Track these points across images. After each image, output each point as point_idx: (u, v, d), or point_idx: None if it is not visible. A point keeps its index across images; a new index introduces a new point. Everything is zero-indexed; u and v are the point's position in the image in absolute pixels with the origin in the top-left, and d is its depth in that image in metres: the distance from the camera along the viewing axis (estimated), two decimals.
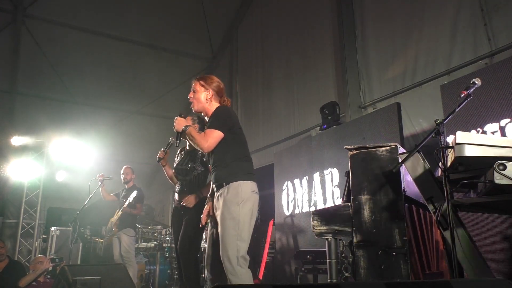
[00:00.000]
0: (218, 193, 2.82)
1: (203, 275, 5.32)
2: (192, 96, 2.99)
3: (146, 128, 9.63)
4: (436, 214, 2.30)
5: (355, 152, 2.60)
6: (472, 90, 2.40)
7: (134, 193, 5.62)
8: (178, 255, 3.73)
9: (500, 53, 4.42)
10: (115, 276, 3.78)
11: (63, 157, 8.43)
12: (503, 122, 3.53)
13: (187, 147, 3.97)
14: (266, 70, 8.35)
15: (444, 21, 5.03)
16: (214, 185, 2.89)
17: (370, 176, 2.53)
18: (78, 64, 8.65)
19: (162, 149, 3.74)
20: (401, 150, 2.56)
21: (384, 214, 2.45)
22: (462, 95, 2.37)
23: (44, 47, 8.31)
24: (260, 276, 5.59)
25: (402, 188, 2.47)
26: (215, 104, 2.98)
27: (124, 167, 6.18)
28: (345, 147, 2.67)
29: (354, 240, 2.47)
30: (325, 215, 2.61)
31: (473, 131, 3.66)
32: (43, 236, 8.24)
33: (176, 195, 3.89)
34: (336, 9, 6.56)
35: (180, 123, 2.89)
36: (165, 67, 9.30)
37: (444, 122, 2.26)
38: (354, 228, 2.49)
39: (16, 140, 8.12)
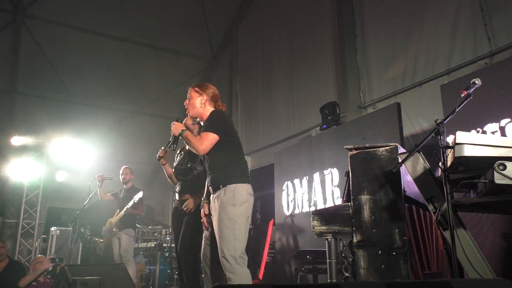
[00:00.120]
0: (214, 195, 2.90)
1: (203, 275, 5.33)
2: (187, 102, 3.10)
3: (146, 128, 9.64)
4: (436, 214, 2.30)
5: (355, 152, 2.60)
6: (472, 90, 2.40)
7: (140, 194, 5.64)
8: (178, 255, 3.74)
9: (500, 53, 4.42)
10: (115, 276, 3.78)
11: (63, 157, 8.44)
12: (503, 122, 3.53)
13: (187, 147, 3.97)
14: (266, 70, 8.35)
15: (444, 21, 5.03)
16: (210, 187, 2.96)
17: (370, 176, 2.53)
18: (78, 64, 8.65)
19: (162, 148, 3.74)
20: (401, 150, 2.56)
21: (384, 214, 2.45)
22: (462, 95, 2.38)
23: (44, 47, 8.31)
24: (260, 276, 5.59)
25: (402, 188, 2.47)
26: (209, 109, 3.06)
27: (123, 167, 6.19)
28: (345, 147, 2.67)
29: (354, 240, 2.47)
30: (325, 215, 2.61)
31: (473, 131, 3.66)
32: (43, 236, 8.24)
33: (177, 195, 3.89)
34: (336, 9, 6.56)
35: (176, 127, 2.99)
36: (165, 67, 9.30)
37: (444, 122, 2.27)
38: (354, 228, 2.49)
39: (16, 140, 8.13)
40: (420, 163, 2.45)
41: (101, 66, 8.79)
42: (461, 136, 2.14)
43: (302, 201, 5.75)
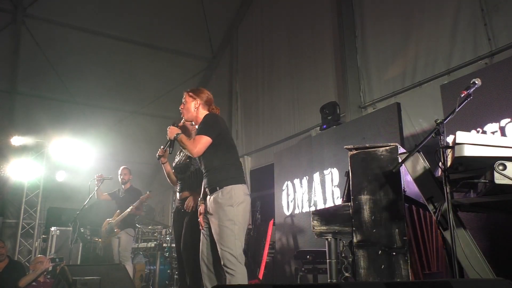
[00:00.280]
0: (211, 197, 2.99)
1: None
2: (182, 107, 3.23)
3: (146, 128, 9.64)
4: (436, 214, 2.30)
5: (355, 152, 2.60)
6: (472, 90, 2.40)
7: (149, 193, 5.76)
8: (179, 255, 3.73)
9: (500, 53, 4.42)
10: (115, 276, 3.79)
11: (63, 157, 8.44)
12: (503, 122, 3.52)
13: None
14: (266, 70, 8.35)
15: (444, 21, 5.03)
16: (207, 188, 3.05)
17: (370, 176, 2.53)
18: (78, 64, 8.65)
19: (162, 147, 3.74)
20: (401, 150, 2.56)
21: (384, 214, 2.45)
22: (462, 95, 2.38)
23: (44, 47, 8.31)
24: (260, 276, 5.59)
25: (402, 188, 2.47)
26: (203, 112, 3.17)
27: (121, 167, 6.19)
28: (345, 147, 2.67)
29: (354, 240, 2.47)
30: (325, 215, 2.61)
31: (473, 131, 3.66)
32: (43, 236, 8.24)
33: (177, 194, 3.89)
34: (336, 9, 6.56)
35: (172, 131, 3.09)
36: (165, 67, 9.30)
37: (444, 122, 2.27)
38: (354, 228, 2.49)
39: (16, 140, 8.13)
40: (420, 163, 2.45)
41: (101, 66, 8.78)
42: (461, 136, 2.14)
43: (302, 201, 5.75)
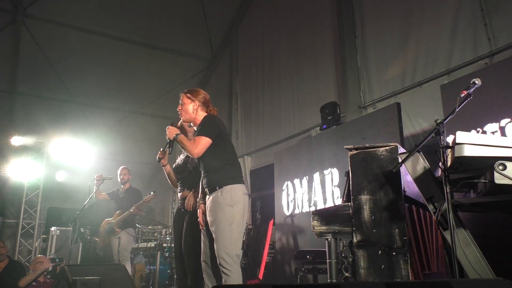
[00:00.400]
0: (211, 196, 3.02)
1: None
2: (180, 108, 3.25)
3: (146, 128, 9.64)
4: (436, 214, 2.30)
5: (355, 152, 2.60)
6: (472, 90, 2.40)
7: (153, 193, 5.76)
8: (177, 255, 3.73)
9: (500, 53, 4.42)
10: (115, 276, 3.79)
11: (63, 157, 8.44)
12: (503, 122, 3.52)
13: None
14: (266, 70, 8.35)
15: (444, 21, 5.03)
16: (206, 188, 3.08)
17: (370, 176, 2.53)
18: (78, 64, 8.65)
19: (162, 149, 3.75)
20: (401, 150, 2.56)
21: (384, 214, 2.45)
22: (462, 95, 2.38)
23: (44, 47, 8.31)
24: (260, 276, 5.59)
25: (402, 188, 2.47)
26: (202, 114, 3.20)
27: (121, 167, 6.19)
28: (345, 147, 2.67)
29: (354, 240, 2.47)
30: (325, 215, 2.61)
31: (473, 131, 3.66)
32: (43, 236, 8.24)
33: (178, 195, 3.89)
34: (336, 9, 6.56)
35: (171, 131, 3.12)
36: (165, 67, 9.30)
37: (444, 122, 2.27)
38: (354, 228, 2.49)
39: (16, 140, 8.13)
40: (420, 163, 2.45)
41: (101, 66, 8.78)
42: (461, 136, 2.14)
43: (302, 201, 5.75)
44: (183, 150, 3.18)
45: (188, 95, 3.23)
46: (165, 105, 9.54)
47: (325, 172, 5.40)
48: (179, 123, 3.42)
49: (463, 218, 2.31)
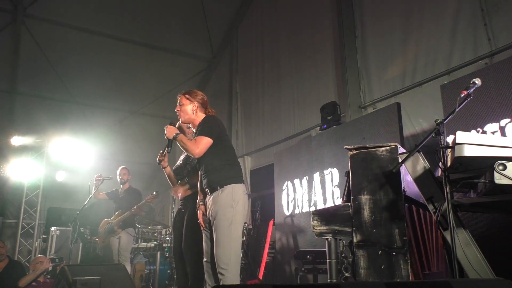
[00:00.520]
0: (211, 196, 3.04)
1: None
2: (179, 109, 3.25)
3: (146, 128, 9.63)
4: (436, 214, 2.30)
5: (355, 152, 2.60)
6: (472, 90, 2.40)
7: (155, 193, 5.77)
8: (178, 255, 3.72)
9: (500, 53, 4.42)
10: (115, 276, 3.79)
11: (63, 157, 8.44)
12: (503, 122, 3.53)
13: None
14: (266, 70, 8.35)
15: (444, 21, 5.03)
16: (207, 188, 3.09)
17: (370, 176, 2.53)
18: (78, 64, 8.65)
19: (161, 151, 3.74)
20: (401, 150, 2.56)
21: (384, 214, 2.45)
22: (462, 95, 2.38)
23: (44, 47, 8.31)
24: (260, 276, 5.59)
25: (402, 188, 2.47)
26: (201, 115, 3.23)
27: (120, 167, 6.19)
28: (345, 147, 2.67)
29: (354, 240, 2.47)
30: (325, 215, 2.61)
31: (473, 131, 3.66)
32: (43, 236, 8.23)
33: (179, 195, 3.89)
34: (336, 9, 6.56)
35: (170, 131, 3.12)
36: (165, 67, 9.30)
37: (444, 122, 2.27)
38: (354, 228, 2.49)
39: (16, 140, 8.13)
40: (420, 163, 2.45)
41: (101, 66, 8.78)
42: (461, 136, 2.14)
43: (302, 201, 5.75)
44: (183, 150, 3.18)
45: (187, 96, 3.24)
46: (165, 105, 9.52)
47: (325, 172, 5.40)
48: (178, 124, 3.41)
49: (463, 218, 2.31)
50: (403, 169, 2.49)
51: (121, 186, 6.14)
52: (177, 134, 3.07)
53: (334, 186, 5.22)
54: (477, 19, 4.67)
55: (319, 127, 6.08)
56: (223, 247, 2.88)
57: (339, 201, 4.89)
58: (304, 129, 7.04)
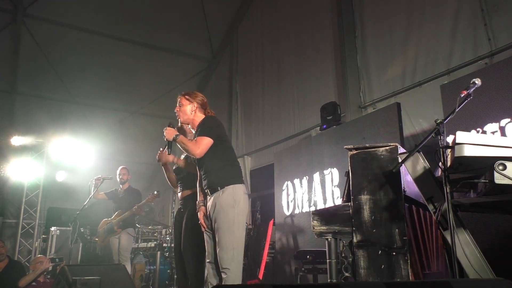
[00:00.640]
0: (212, 197, 3.04)
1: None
2: (178, 109, 3.27)
3: (146, 128, 9.63)
4: (436, 214, 2.30)
5: (355, 152, 2.60)
6: (472, 90, 2.40)
7: (157, 193, 5.76)
8: (178, 255, 3.73)
9: (500, 53, 4.42)
10: (115, 276, 3.79)
11: (63, 157, 8.44)
12: (503, 122, 3.53)
13: None
14: (266, 70, 8.35)
15: (444, 21, 5.03)
16: (208, 189, 3.09)
17: (370, 176, 2.53)
18: (78, 64, 8.65)
19: (161, 149, 3.74)
20: (401, 150, 2.55)
21: (384, 214, 2.44)
22: (462, 95, 2.38)
23: (44, 47, 8.30)
24: (260, 276, 5.59)
25: (402, 188, 2.47)
26: (200, 116, 3.24)
27: (120, 167, 6.19)
28: (345, 147, 2.67)
29: (354, 240, 2.47)
30: (325, 215, 2.61)
31: (473, 131, 3.66)
32: (43, 236, 8.23)
33: (179, 195, 3.89)
34: (336, 9, 6.56)
35: (169, 132, 3.12)
36: (165, 67, 9.29)
37: (444, 122, 2.26)
38: (354, 228, 2.49)
39: (16, 140, 8.13)
40: (420, 163, 2.45)
41: (101, 66, 8.78)
42: (461, 136, 2.14)
43: (302, 201, 5.75)
44: (184, 151, 3.18)
45: (187, 97, 3.25)
46: (165, 105, 9.52)
47: (325, 172, 5.40)
48: (179, 125, 3.41)
49: (463, 218, 2.31)
50: (403, 169, 2.49)
51: (121, 186, 6.14)
52: (176, 135, 3.07)
53: (334, 186, 5.22)
54: (477, 19, 4.67)
55: (319, 127, 6.08)
56: (226, 247, 2.88)
57: (339, 201, 4.89)
58: (304, 129, 7.04)
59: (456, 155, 2.13)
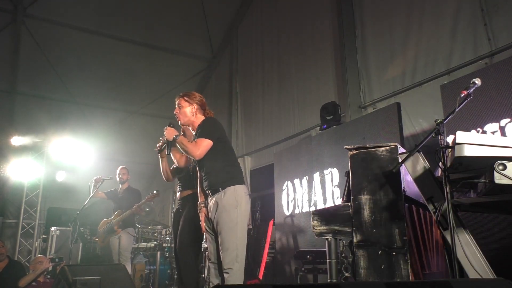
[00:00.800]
0: (214, 198, 3.04)
1: (203, 275, 5.33)
2: (178, 111, 3.24)
3: (146, 128, 9.62)
4: (436, 214, 2.30)
5: (355, 152, 2.60)
6: (472, 90, 2.40)
7: (156, 192, 5.76)
8: (177, 255, 3.73)
9: (500, 53, 4.42)
10: (115, 276, 3.79)
11: (63, 157, 8.44)
12: (503, 122, 3.53)
13: None
14: (266, 70, 8.35)
15: (444, 21, 5.03)
16: (209, 190, 3.09)
17: (370, 176, 2.52)
18: (78, 64, 8.65)
19: (160, 138, 3.60)
20: (401, 150, 2.55)
21: (384, 214, 2.44)
22: (462, 95, 2.37)
23: (44, 47, 8.31)
24: (260, 276, 5.59)
25: (402, 188, 2.47)
26: (200, 117, 3.22)
27: (120, 167, 6.19)
28: (345, 147, 2.67)
29: (354, 240, 2.47)
30: (325, 215, 2.61)
31: (473, 131, 3.66)
32: (43, 236, 8.23)
33: (178, 194, 3.89)
34: (336, 9, 6.56)
35: (170, 132, 3.10)
36: (165, 67, 9.30)
37: (444, 122, 2.26)
38: (354, 228, 2.49)
39: (16, 140, 8.13)
40: (420, 163, 2.45)
41: (101, 66, 8.78)
42: (461, 136, 2.14)
43: (302, 201, 5.75)
44: (183, 152, 3.15)
45: (186, 98, 3.23)
46: (165, 105, 9.50)
47: (325, 172, 5.40)
48: (182, 131, 3.38)
49: (463, 218, 2.31)
50: (403, 169, 2.49)
51: (120, 185, 6.14)
52: (176, 136, 3.05)
53: (334, 186, 5.22)
54: (477, 19, 4.67)
55: (319, 127, 6.08)
56: (229, 248, 2.89)
57: (339, 201, 4.89)
58: (304, 129, 7.04)
59: (456, 155, 2.12)
